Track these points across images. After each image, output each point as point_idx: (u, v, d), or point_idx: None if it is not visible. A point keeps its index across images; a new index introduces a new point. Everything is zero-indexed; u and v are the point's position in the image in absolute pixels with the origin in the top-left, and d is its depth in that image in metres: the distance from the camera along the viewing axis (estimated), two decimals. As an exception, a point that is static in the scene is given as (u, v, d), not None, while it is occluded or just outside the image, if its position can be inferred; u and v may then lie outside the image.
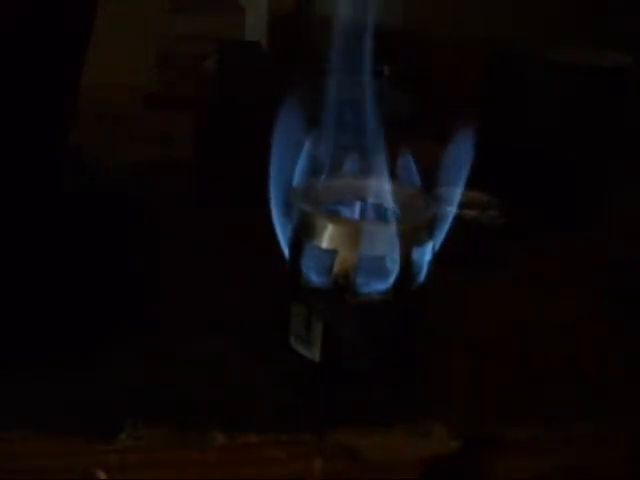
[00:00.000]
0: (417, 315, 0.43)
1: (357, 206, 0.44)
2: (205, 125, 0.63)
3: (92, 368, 0.41)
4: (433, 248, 0.42)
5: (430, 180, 0.43)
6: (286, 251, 0.43)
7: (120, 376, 0.41)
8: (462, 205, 0.45)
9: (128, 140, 0.73)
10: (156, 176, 0.64)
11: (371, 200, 0.44)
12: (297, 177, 0.43)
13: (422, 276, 0.42)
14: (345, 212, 0.44)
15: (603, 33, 0.72)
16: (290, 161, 0.42)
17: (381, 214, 0.43)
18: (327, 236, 0.40)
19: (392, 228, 0.40)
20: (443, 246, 0.43)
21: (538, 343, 0.47)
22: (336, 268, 0.40)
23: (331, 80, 0.42)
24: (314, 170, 0.43)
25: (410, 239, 0.40)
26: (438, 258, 0.42)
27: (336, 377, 0.42)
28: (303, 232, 0.41)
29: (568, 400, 0.42)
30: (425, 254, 0.42)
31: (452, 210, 0.43)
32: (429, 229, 0.41)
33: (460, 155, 0.42)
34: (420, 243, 0.41)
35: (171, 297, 0.48)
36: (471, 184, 0.44)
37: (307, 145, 0.42)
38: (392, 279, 0.40)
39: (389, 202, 0.43)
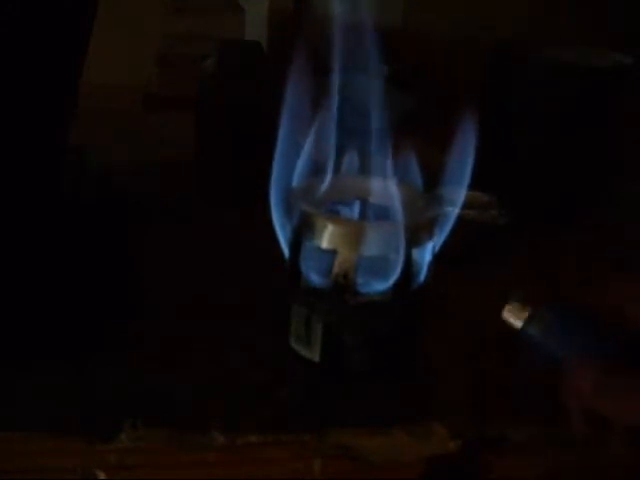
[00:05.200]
0: (417, 315, 0.43)
1: (357, 206, 0.44)
2: (205, 125, 0.63)
3: (92, 369, 0.41)
4: (433, 248, 0.42)
5: (430, 180, 0.43)
6: (286, 251, 0.43)
7: (120, 376, 0.41)
8: (462, 205, 0.45)
9: (128, 140, 0.73)
10: (156, 176, 0.64)
11: (371, 200, 0.44)
12: (297, 177, 0.42)
13: (422, 276, 0.42)
14: (345, 212, 0.44)
15: (603, 33, 0.72)
16: (290, 161, 0.42)
17: (381, 214, 0.43)
18: (327, 236, 0.40)
19: (392, 228, 0.40)
20: (443, 246, 0.43)
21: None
22: (336, 268, 0.40)
23: (331, 80, 0.42)
24: (314, 170, 0.43)
25: (410, 239, 0.40)
26: (438, 258, 0.42)
27: (336, 377, 0.42)
28: (303, 232, 0.41)
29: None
30: (425, 254, 0.42)
31: (453, 210, 0.43)
32: (429, 229, 0.41)
33: (460, 155, 0.42)
34: (420, 243, 0.41)
35: (171, 297, 0.48)
36: (471, 184, 0.44)
37: (307, 145, 0.42)
38: (392, 279, 0.40)
39: (389, 202, 0.43)
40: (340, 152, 0.43)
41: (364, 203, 0.44)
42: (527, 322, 0.34)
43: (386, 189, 0.42)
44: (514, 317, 0.35)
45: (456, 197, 0.44)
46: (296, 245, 0.42)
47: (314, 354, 0.42)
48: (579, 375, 0.31)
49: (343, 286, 0.40)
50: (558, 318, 0.34)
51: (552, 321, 0.34)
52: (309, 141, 0.42)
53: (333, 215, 0.42)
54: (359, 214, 0.44)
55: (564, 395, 0.33)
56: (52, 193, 0.47)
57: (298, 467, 0.39)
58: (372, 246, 0.40)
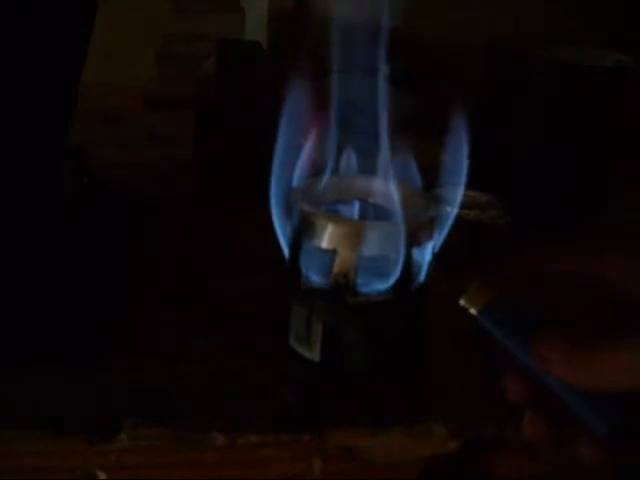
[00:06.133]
0: (417, 315, 0.43)
1: (357, 206, 0.44)
2: (205, 125, 0.63)
3: (92, 369, 0.41)
4: (433, 248, 0.42)
5: (430, 180, 0.43)
6: (286, 251, 0.43)
7: (120, 376, 0.41)
8: (462, 205, 0.45)
9: (128, 140, 0.73)
10: (156, 176, 0.64)
11: (371, 200, 0.44)
12: (297, 177, 0.43)
13: (422, 276, 0.42)
14: (345, 212, 0.44)
15: (603, 33, 0.72)
16: (291, 161, 0.42)
17: (381, 214, 0.43)
18: (327, 236, 0.40)
19: (392, 228, 0.40)
20: (443, 246, 0.43)
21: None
22: (336, 268, 0.40)
23: (331, 80, 0.42)
24: (314, 170, 0.43)
25: (410, 239, 0.40)
26: (438, 258, 0.42)
27: (336, 377, 0.42)
28: (303, 232, 0.41)
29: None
30: (425, 254, 0.42)
31: (453, 210, 0.43)
32: (429, 229, 0.41)
33: (460, 155, 0.42)
34: (420, 243, 0.41)
35: (171, 297, 0.48)
36: (471, 184, 0.44)
37: (307, 145, 0.42)
38: (392, 279, 0.40)
39: (389, 202, 0.43)
40: (340, 152, 0.43)
41: (364, 203, 0.44)
42: (482, 310, 0.35)
43: (386, 189, 0.42)
44: (470, 304, 0.35)
45: (455, 197, 0.44)
46: (296, 245, 0.42)
47: (314, 354, 0.42)
48: (548, 345, 0.32)
49: (343, 286, 0.40)
50: (511, 309, 0.35)
51: (505, 311, 0.35)
52: (309, 141, 0.42)
53: (333, 215, 0.42)
54: (359, 214, 0.44)
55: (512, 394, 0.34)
56: (52, 193, 0.47)
57: (298, 467, 0.39)
58: (372, 246, 0.40)
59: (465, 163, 0.42)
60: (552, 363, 0.32)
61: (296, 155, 0.42)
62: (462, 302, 0.36)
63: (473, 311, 0.35)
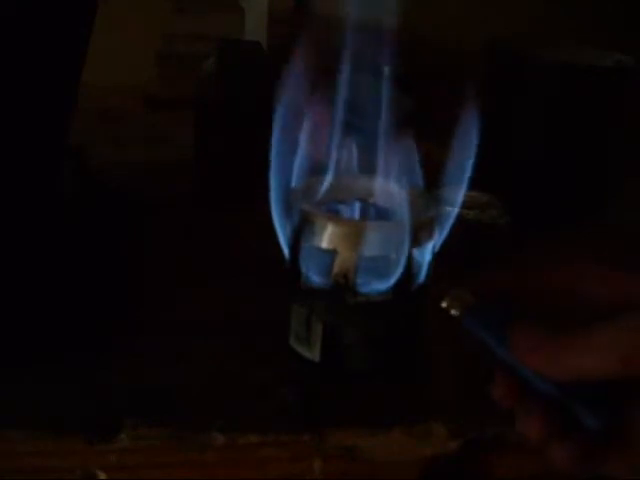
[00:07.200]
0: (417, 315, 0.43)
1: (357, 206, 0.44)
2: (205, 125, 0.63)
3: (92, 369, 0.41)
4: (433, 248, 0.42)
5: (431, 180, 0.43)
6: (286, 251, 0.43)
7: (120, 376, 0.41)
8: (462, 205, 0.45)
9: (128, 140, 0.73)
10: (156, 176, 0.64)
11: (371, 200, 0.44)
12: (297, 177, 0.42)
13: (422, 276, 0.42)
14: (345, 212, 0.44)
15: (603, 33, 0.72)
16: (290, 161, 0.42)
17: (381, 214, 0.43)
18: (327, 236, 0.40)
19: (392, 228, 0.40)
20: (443, 246, 0.43)
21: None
22: (336, 268, 0.40)
23: (331, 80, 0.42)
24: (314, 170, 0.43)
25: (411, 239, 0.40)
26: (438, 258, 0.42)
27: (336, 377, 0.42)
28: (303, 232, 0.41)
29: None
30: (425, 254, 0.42)
31: (453, 210, 0.43)
32: (429, 229, 0.41)
33: (461, 155, 0.42)
34: (420, 243, 0.41)
35: (171, 297, 0.48)
36: (471, 184, 0.44)
37: (307, 145, 0.42)
38: (392, 279, 0.40)
39: (390, 202, 0.43)
40: (340, 151, 0.43)
41: (364, 203, 0.44)
42: (463, 311, 0.35)
43: (386, 189, 0.42)
44: (451, 306, 0.35)
45: (456, 197, 0.44)
46: (296, 245, 0.42)
47: (314, 354, 0.42)
48: (522, 335, 0.32)
49: (343, 286, 0.40)
50: (491, 309, 0.35)
51: (485, 311, 0.35)
52: (308, 141, 0.42)
53: (333, 215, 0.42)
54: (359, 214, 0.44)
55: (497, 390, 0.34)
56: (52, 193, 0.47)
57: (298, 467, 0.39)
58: (372, 246, 0.40)
59: (470, 163, 0.42)
60: (525, 353, 0.32)
61: (296, 155, 0.42)
62: (444, 304, 0.36)
63: (454, 312, 0.35)
